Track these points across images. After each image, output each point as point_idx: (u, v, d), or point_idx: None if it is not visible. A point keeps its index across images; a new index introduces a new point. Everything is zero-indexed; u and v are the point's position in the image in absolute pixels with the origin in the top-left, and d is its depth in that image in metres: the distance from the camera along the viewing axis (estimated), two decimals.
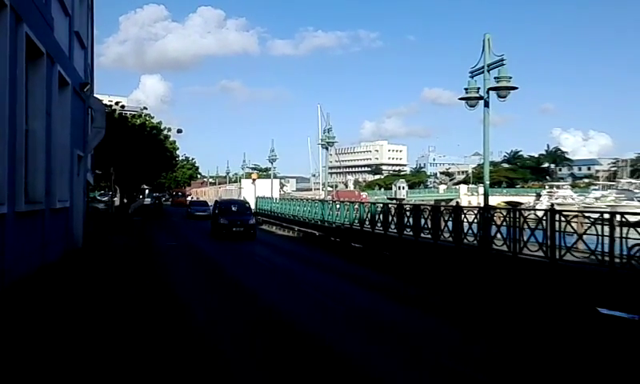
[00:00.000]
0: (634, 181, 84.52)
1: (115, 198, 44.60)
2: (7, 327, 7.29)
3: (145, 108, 49.03)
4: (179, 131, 56.82)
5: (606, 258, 10.04)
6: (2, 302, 8.60)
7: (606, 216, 10.53)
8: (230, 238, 25.00)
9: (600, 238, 10.23)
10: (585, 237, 11.09)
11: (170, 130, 52.77)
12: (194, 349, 7.49)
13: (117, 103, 43.15)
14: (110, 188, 44.32)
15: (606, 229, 10.15)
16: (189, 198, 79.25)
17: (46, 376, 5.71)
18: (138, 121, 44.23)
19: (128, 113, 46.62)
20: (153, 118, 47.93)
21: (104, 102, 23.37)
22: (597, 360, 7.71)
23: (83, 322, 7.89)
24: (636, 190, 71.98)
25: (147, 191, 72.00)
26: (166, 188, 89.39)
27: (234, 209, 28.17)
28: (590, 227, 10.84)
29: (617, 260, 9.90)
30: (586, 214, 11.72)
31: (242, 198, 45.16)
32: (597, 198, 71.18)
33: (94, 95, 20.91)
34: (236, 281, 14.28)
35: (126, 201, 49.16)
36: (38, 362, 6.06)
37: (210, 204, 44.64)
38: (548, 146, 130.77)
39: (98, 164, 28.18)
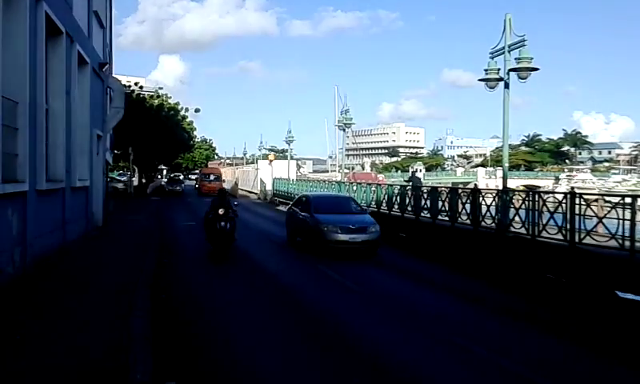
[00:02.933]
0: None
1: (134, 178, 45.08)
2: (39, 294, 7.46)
3: (160, 88, 49.17)
4: (197, 111, 57.38)
5: (627, 242, 9.89)
6: (27, 276, 8.79)
7: (628, 200, 10.35)
8: None
9: (621, 222, 10.08)
10: (605, 220, 10.92)
11: (187, 109, 52.98)
12: None
13: (135, 84, 43.44)
14: (128, 168, 44.80)
15: (627, 213, 9.99)
16: (225, 184, 44.67)
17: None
18: (156, 101, 44.45)
19: (146, 93, 46.82)
20: (170, 98, 48.17)
21: (122, 83, 23.51)
22: (612, 341, 7.70)
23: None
24: None
25: (165, 171, 72.46)
26: (183, 168, 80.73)
27: None
28: (610, 211, 10.68)
29: (638, 244, 9.74)
30: (607, 198, 11.54)
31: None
32: (618, 182, 70.05)
33: (113, 75, 21.02)
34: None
35: (144, 181, 49.69)
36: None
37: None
38: (565, 131, 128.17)
39: (116, 144, 28.44)
